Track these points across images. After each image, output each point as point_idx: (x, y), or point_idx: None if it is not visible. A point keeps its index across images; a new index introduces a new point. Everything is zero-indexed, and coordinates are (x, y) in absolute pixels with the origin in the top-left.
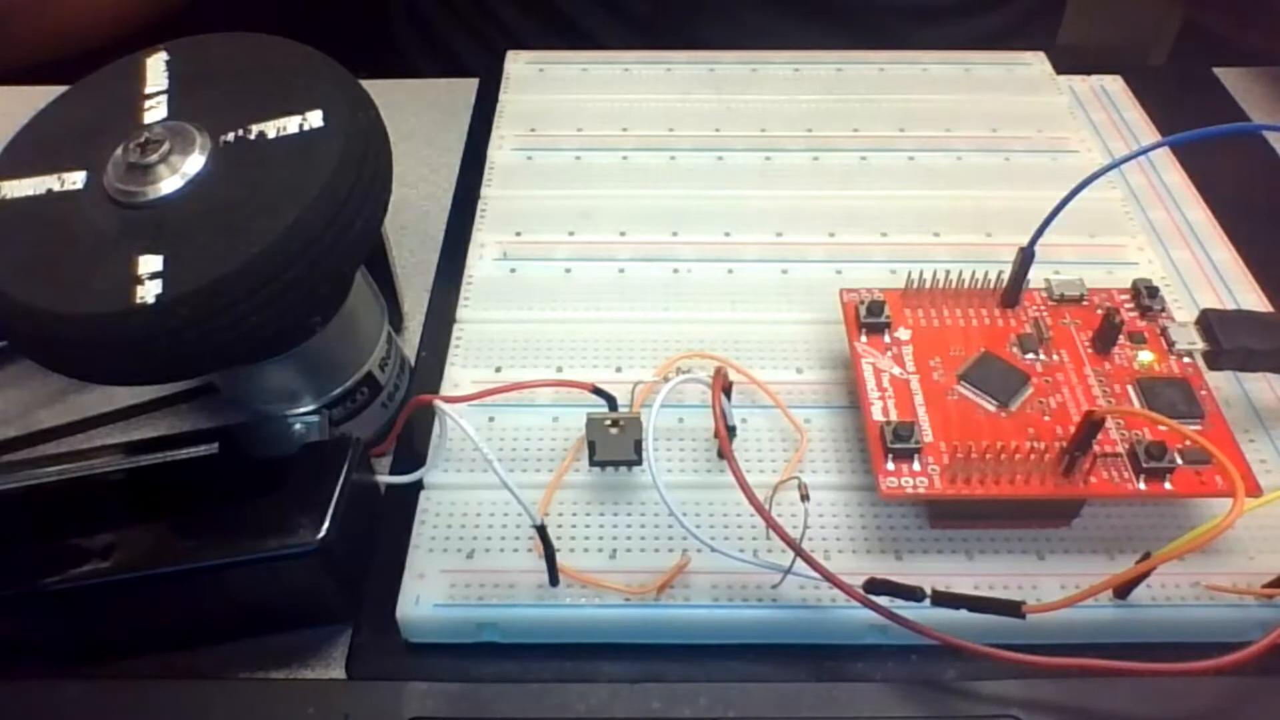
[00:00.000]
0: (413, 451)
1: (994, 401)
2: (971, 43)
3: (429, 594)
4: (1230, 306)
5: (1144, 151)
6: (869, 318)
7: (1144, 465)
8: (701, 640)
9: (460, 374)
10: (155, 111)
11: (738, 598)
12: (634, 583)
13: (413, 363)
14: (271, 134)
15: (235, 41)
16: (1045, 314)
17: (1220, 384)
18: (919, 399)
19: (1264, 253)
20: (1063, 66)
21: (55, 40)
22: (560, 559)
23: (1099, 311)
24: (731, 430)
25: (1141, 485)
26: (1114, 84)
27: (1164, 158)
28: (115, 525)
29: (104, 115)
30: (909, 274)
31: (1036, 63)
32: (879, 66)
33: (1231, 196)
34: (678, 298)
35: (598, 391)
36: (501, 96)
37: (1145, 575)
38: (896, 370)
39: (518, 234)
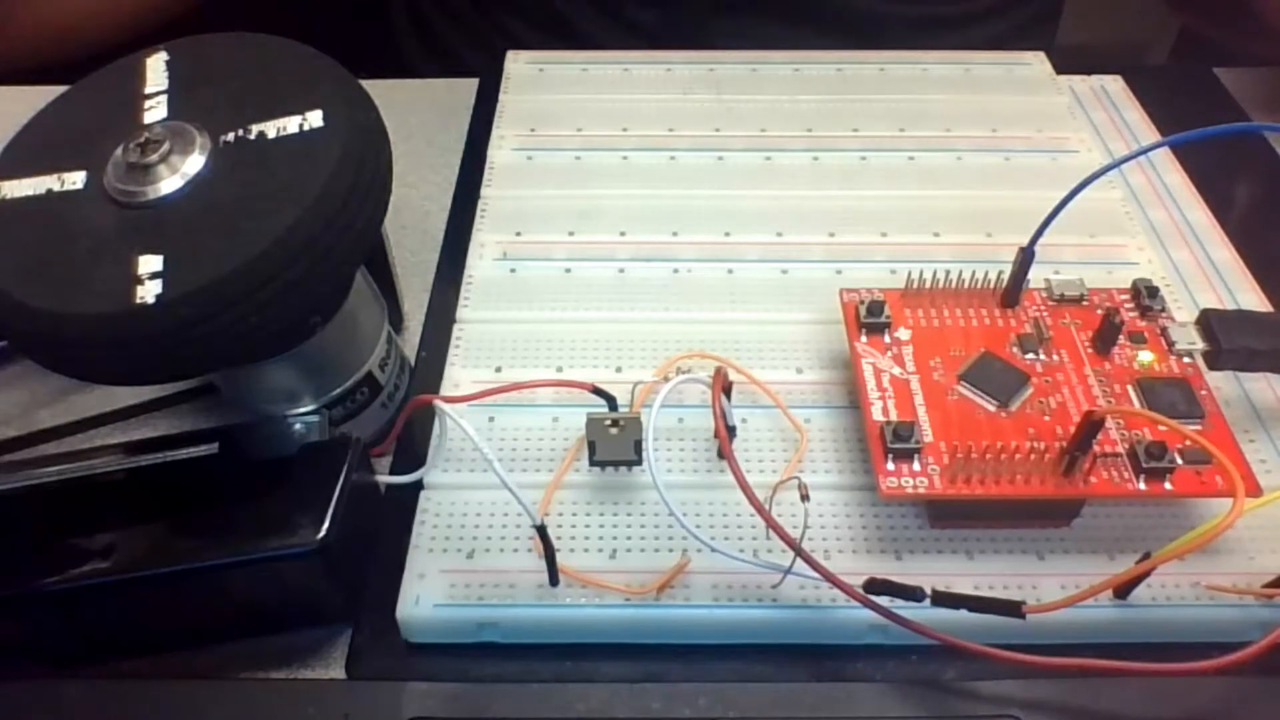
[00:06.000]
0: (413, 451)
1: (994, 401)
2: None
3: (429, 594)
4: (1230, 306)
5: (1144, 151)
6: (869, 318)
7: (1144, 465)
8: (701, 640)
9: (460, 374)
10: (155, 111)
11: (738, 598)
12: (634, 583)
13: (413, 363)
14: (271, 134)
15: (235, 41)
16: (1045, 314)
17: (1220, 384)
18: (919, 399)
19: (1264, 253)
20: (1063, 66)
21: (58, 38)
22: (560, 559)
23: (1099, 311)
24: (731, 430)
25: (1141, 485)
26: (1114, 84)
27: (1164, 158)
28: (115, 525)
29: (104, 115)
30: (909, 274)
31: (1036, 63)
32: (879, 66)
33: (1231, 196)
34: (678, 298)
35: (598, 391)
36: (501, 96)
37: (1145, 575)
38: (896, 370)
39: (518, 234)
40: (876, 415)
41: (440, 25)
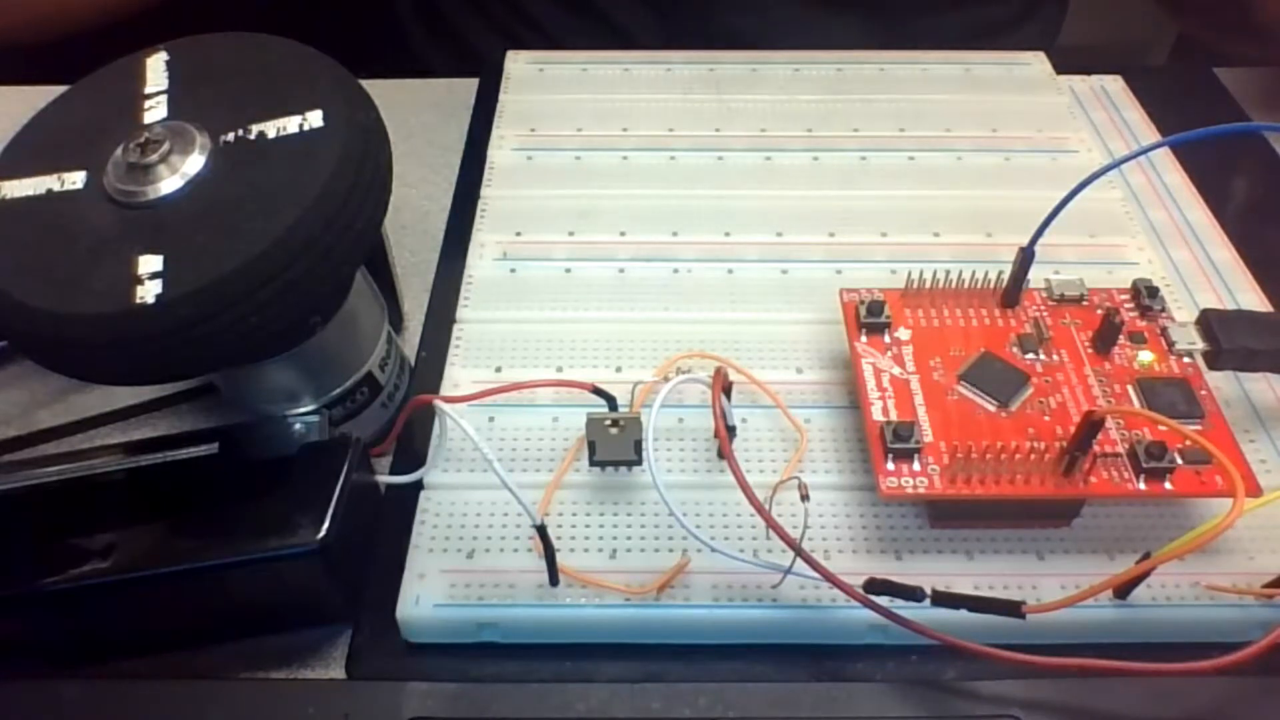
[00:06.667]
0: (413, 451)
1: (994, 401)
2: (977, 32)
3: (429, 594)
4: (1230, 306)
5: (1144, 151)
6: (869, 318)
7: (1144, 465)
8: (701, 640)
9: (460, 374)
10: (155, 111)
11: (738, 598)
12: (634, 583)
13: (413, 363)
14: (271, 134)
15: (235, 41)
16: (1045, 314)
17: (1220, 384)
18: (919, 399)
19: (1264, 253)
20: (1063, 66)
21: (53, 25)
22: (560, 559)
23: (1099, 311)
24: (731, 430)
25: (1141, 485)
26: (1114, 84)
27: (1164, 158)
28: (115, 525)
29: (104, 115)
30: (909, 274)
31: (1036, 63)
32: (879, 66)
33: (1231, 196)
34: (678, 298)
35: (598, 391)
36: (501, 96)
37: (1145, 575)
38: (896, 370)
39: (518, 234)
40: (876, 415)
41: (445, 5)
